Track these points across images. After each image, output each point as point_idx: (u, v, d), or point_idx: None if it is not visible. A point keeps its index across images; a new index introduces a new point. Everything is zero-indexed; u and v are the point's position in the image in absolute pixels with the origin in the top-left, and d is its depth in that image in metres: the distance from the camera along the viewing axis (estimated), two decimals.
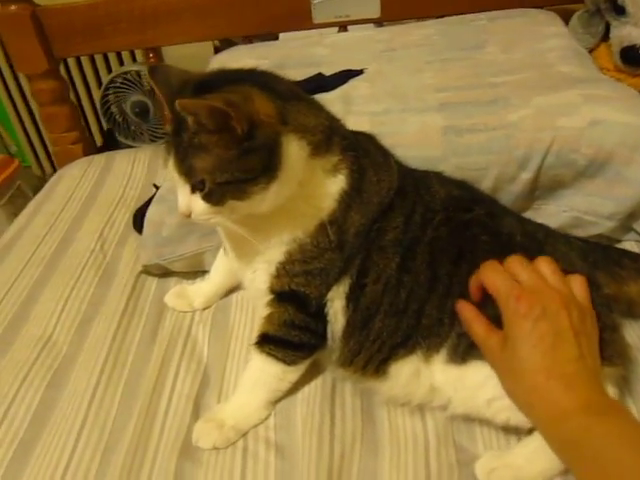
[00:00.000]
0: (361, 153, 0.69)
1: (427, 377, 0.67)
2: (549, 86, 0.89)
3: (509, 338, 0.60)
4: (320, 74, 1.01)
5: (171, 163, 0.62)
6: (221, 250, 0.86)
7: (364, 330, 0.68)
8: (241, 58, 1.10)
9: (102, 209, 1.09)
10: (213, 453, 0.67)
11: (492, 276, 0.63)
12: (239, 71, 0.67)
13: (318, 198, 0.65)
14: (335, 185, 0.66)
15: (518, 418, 0.62)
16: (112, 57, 1.86)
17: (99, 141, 1.86)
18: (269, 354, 0.69)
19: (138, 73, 1.79)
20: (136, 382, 0.76)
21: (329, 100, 0.93)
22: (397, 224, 0.68)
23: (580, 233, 0.86)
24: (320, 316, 0.69)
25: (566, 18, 1.15)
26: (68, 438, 0.70)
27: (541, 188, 0.86)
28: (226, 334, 0.82)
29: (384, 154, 0.73)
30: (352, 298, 0.68)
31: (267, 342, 0.70)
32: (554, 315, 0.58)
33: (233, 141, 0.57)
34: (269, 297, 0.70)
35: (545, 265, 0.63)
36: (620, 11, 1.01)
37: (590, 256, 0.72)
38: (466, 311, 0.65)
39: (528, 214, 0.86)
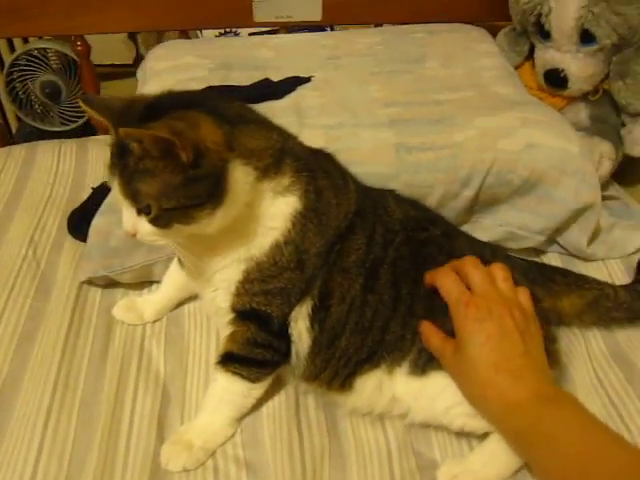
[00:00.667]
0: (320, 174, 0.70)
1: (389, 388, 0.71)
2: (488, 107, 0.95)
3: (460, 341, 0.65)
4: (267, 79, 1.01)
5: (115, 185, 0.61)
6: (174, 261, 0.84)
7: (330, 349, 0.70)
8: (181, 55, 1.07)
9: (29, 210, 1.01)
10: (183, 475, 0.67)
11: (445, 282, 0.68)
12: (188, 94, 0.68)
13: (269, 218, 0.66)
14: (287, 206, 0.67)
15: (472, 424, 0.68)
16: None
17: None
18: (234, 373, 0.70)
19: (44, 50, 1.66)
20: (92, 403, 0.74)
21: (280, 109, 0.94)
22: (359, 246, 0.71)
23: (513, 246, 0.94)
24: (283, 335, 0.70)
25: (492, 33, 1.22)
26: (24, 471, 0.67)
27: (480, 204, 0.93)
28: (182, 349, 0.81)
29: (343, 175, 0.75)
30: (317, 319, 0.70)
31: (231, 361, 0.70)
32: (498, 317, 0.65)
33: (179, 168, 0.57)
34: (231, 315, 0.71)
35: (498, 271, 0.70)
36: (545, 35, 1.09)
37: (530, 273, 0.79)
38: (424, 327, 0.70)
39: (466, 227, 0.93)
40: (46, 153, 1.15)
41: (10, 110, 1.72)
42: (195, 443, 0.69)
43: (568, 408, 0.61)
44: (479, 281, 0.68)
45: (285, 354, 0.71)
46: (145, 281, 0.89)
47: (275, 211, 0.66)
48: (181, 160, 0.56)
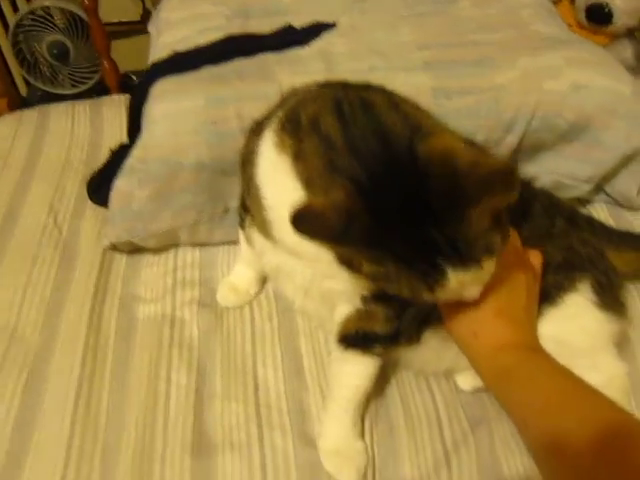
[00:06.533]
0: None
1: None
2: (530, 47, 0.88)
3: None
4: (290, 26, 0.94)
5: None
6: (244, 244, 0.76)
7: None
8: (196, 4, 1.00)
9: (46, 176, 0.97)
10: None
11: None
12: None
13: None
14: None
15: None
16: None
17: None
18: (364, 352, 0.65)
19: (48, 9, 1.59)
20: (123, 373, 0.71)
21: (306, 57, 0.88)
22: None
23: (560, 195, 0.88)
24: None
25: None
26: (59, 445, 0.65)
27: (523, 151, 0.86)
28: (215, 313, 0.78)
29: None
30: None
31: (371, 341, 0.65)
32: (513, 270, 0.63)
33: None
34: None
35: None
36: None
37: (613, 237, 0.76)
38: None
39: None
40: (60, 116, 1.10)
41: (19, 75, 1.67)
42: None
43: (550, 360, 0.60)
44: None
45: None
46: (171, 245, 0.85)
47: None
48: None
